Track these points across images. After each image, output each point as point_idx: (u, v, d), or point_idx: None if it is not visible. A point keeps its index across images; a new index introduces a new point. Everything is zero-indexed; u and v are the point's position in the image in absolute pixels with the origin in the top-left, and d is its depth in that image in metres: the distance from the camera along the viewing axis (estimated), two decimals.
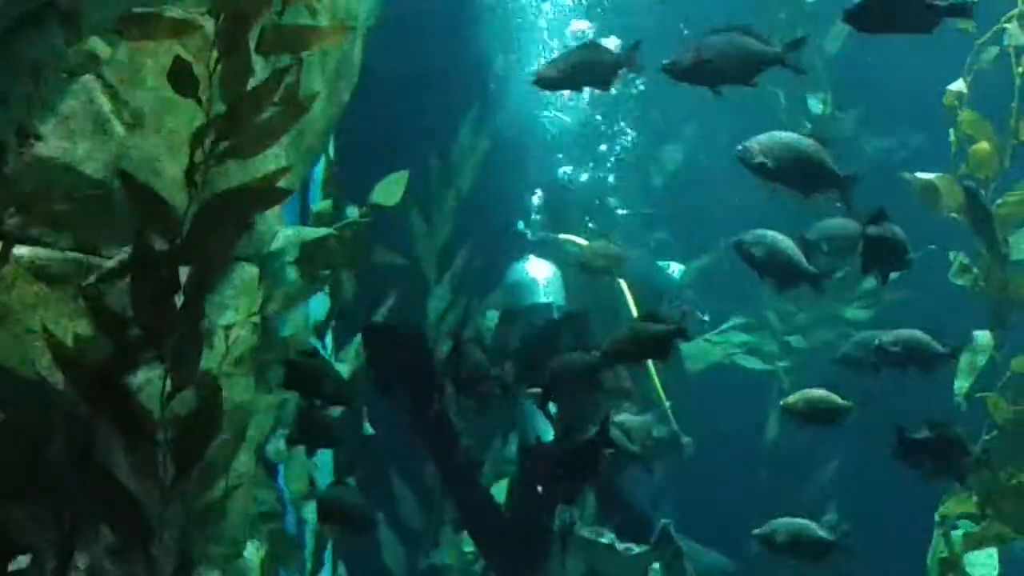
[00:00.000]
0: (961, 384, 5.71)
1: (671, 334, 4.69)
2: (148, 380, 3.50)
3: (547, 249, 6.90)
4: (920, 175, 5.69)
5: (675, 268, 7.33)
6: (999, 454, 5.62)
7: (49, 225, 3.44)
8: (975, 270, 5.78)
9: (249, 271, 4.06)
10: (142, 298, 3.26)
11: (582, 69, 4.38)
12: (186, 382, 3.33)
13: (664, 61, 4.09)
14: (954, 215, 5.68)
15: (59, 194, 3.42)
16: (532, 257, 6.73)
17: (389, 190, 5.34)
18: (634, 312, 6.63)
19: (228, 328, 3.89)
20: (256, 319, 4.10)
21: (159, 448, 3.32)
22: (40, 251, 3.43)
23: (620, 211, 7.34)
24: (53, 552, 3.24)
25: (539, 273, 6.62)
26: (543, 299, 6.54)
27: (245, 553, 4.24)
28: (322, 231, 4.94)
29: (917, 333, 4.96)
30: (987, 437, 5.64)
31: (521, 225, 7.16)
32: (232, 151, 3.33)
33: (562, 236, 7.02)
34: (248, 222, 3.40)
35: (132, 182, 3.32)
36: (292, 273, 4.78)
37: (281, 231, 4.65)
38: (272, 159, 3.85)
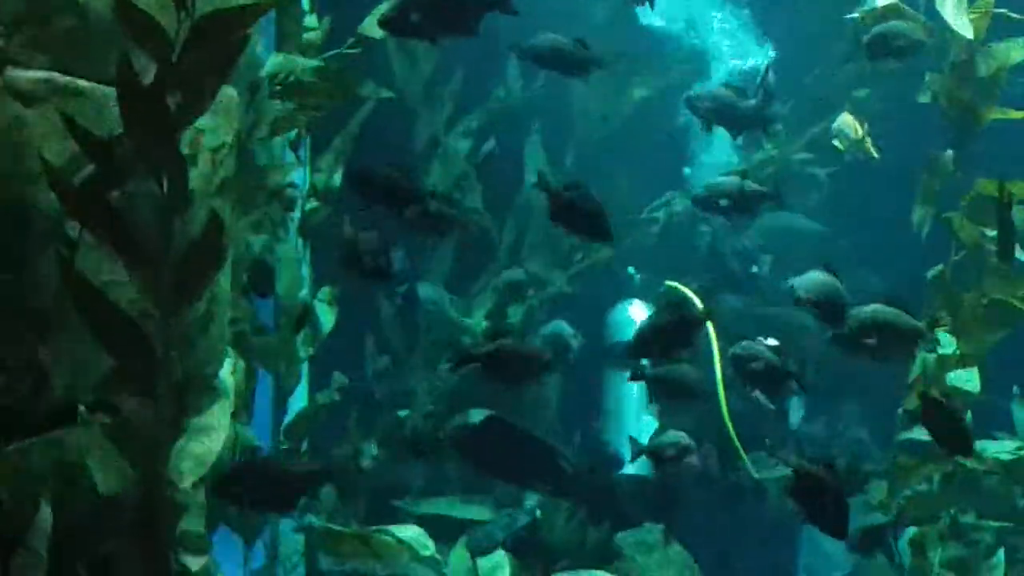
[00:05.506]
0: (920, 212, 5.81)
1: None
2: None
3: (652, 294, 7.10)
4: None
5: None
6: (966, 275, 5.77)
7: (25, 46, 3.37)
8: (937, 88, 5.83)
9: (229, 94, 3.90)
10: (134, 122, 3.21)
11: None
12: (182, 207, 3.34)
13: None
14: None
15: (35, 15, 3.36)
16: (636, 301, 6.95)
17: None
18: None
19: (213, 152, 3.85)
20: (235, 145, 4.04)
21: (161, 272, 3.32)
22: (16, 72, 3.36)
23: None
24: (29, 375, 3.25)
25: (639, 316, 6.76)
26: None
27: (221, 372, 4.29)
28: (310, 61, 4.84)
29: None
30: (956, 258, 5.78)
31: (632, 270, 7.37)
32: None
33: (668, 283, 7.09)
34: (242, 43, 3.31)
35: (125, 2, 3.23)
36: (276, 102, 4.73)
37: (268, 58, 4.59)
38: None
